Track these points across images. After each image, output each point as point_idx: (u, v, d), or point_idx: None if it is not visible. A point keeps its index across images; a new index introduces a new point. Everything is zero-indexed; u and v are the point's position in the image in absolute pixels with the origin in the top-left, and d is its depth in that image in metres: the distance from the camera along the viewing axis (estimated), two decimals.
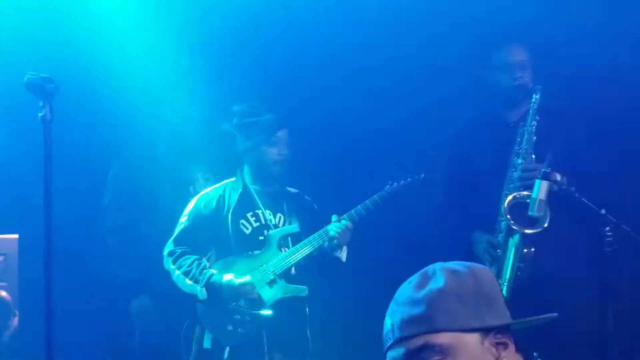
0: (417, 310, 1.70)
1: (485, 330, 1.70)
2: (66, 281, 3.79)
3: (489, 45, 4.50)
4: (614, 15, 4.66)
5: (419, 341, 1.69)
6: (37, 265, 4.27)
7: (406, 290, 1.76)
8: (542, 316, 1.81)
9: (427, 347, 1.68)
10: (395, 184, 4.46)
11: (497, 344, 1.70)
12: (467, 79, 4.79)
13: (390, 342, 1.73)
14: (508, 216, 4.10)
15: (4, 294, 4.74)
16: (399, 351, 1.71)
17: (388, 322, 1.75)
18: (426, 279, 1.74)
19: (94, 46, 4.84)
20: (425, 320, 1.69)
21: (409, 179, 4.47)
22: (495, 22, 4.67)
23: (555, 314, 1.83)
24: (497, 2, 4.68)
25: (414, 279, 1.77)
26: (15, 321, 4.69)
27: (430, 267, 1.77)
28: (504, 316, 1.74)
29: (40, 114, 2.88)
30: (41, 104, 2.90)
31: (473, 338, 1.69)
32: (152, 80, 4.80)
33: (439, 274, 1.74)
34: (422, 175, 4.49)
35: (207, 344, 4.24)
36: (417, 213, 4.79)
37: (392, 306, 1.76)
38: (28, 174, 4.35)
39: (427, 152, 4.81)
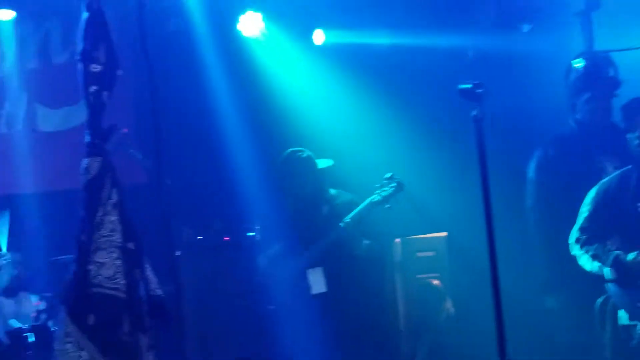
0: None
1: None
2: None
3: None
4: None
5: None
6: (464, 260, 5.03)
7: None
8: None
9: None
10: None
11: None
12: None
13: None
14: None
15: (436, 282, 5.52)
16: None
17: None
18: None
19: None
20: None
21: None
22: None
23: None
24: None
25: None
26: (448, 305, 5.43)
27: None
28: None
29: (473, 113, 3.43)
30: (473, 106, 3.44)
31: None
32: None
33: None
34: None
35: (623, 320, 4.56)
36: None
37: None
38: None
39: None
